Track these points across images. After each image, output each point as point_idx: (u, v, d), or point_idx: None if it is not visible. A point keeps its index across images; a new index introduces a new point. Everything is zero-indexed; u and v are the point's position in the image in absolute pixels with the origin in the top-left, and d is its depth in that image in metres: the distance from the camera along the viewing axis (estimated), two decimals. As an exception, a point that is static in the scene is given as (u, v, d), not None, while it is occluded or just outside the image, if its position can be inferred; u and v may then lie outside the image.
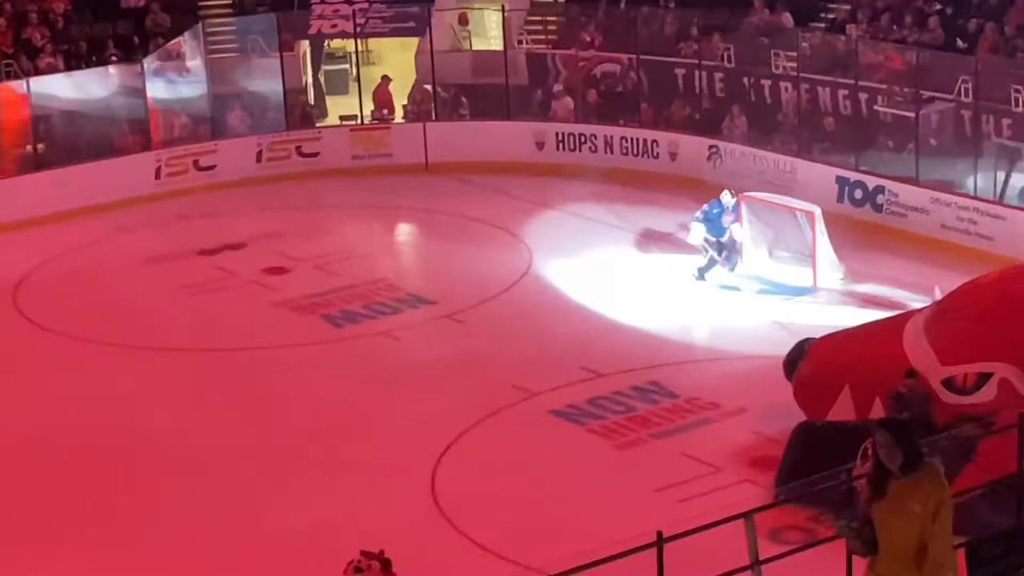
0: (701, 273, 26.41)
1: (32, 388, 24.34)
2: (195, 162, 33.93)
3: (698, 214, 26.46)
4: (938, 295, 21.83)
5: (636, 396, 22.66)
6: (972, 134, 29.65)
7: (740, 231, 26.30)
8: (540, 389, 23.05)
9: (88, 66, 35.15)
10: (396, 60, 35.64)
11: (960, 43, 31.33)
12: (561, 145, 33.72)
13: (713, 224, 26.09)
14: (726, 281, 26.37)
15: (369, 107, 35.47)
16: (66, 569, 18.52)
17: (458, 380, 23.90)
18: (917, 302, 23.23)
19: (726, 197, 26.28)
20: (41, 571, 18.67)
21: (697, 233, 26.36)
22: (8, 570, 18.85)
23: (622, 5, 35.45)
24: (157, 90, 34.83)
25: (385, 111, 35.09)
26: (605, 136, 33.51)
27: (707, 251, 26.34)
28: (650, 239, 29.47)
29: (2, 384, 24.41)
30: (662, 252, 28.74)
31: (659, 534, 11.33)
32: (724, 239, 26.07)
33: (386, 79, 35.23)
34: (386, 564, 14.61)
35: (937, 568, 9.41)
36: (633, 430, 21.66)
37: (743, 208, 26.62)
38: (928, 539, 9.33)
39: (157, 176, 33.51)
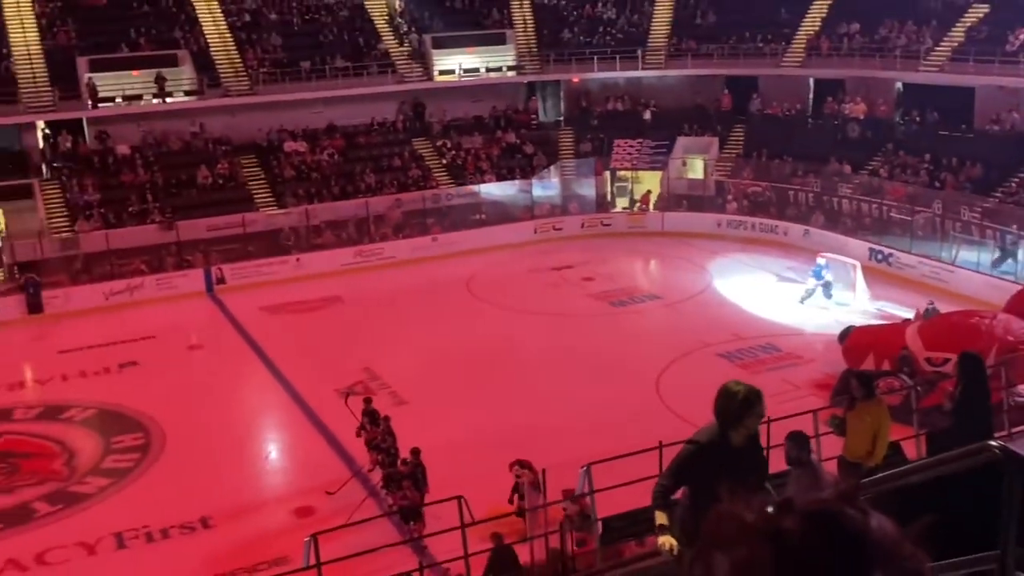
0: (803, 299, 25.64)
1: (474, 326, 25.20)
2: (553, 227, 33.95)
3: (813, 271, 25.86)
4: (921, 311, 21.52)
5: (759, 349, 22.65)
6: (940, 230, 28.34)
7: (831, 278, 25.67)
8: (712, 343, 22.99)
9: (505, 180, 35.53)
10: (651, 181, 35.18)
11: (936, 184, 29.87)
12: (729, 225, 32.81)
13: (817, 275, 25.45)
14: (816, 301, 25.51)
15: (637, 204, 35.00)
16: (469, 419, 18.80)
17: (671, 336, 24.15)
18: (908, 314, 22.49)
19: (822, 260, 25.82)
20: (460, 417, 19.02)
21: (811, 282, 25.70)
22: (444, 417, 19.18)
23: (763, 159, 34.40)
24: (537, 191, 35.11)
25: (644, 206, 34.68)
26: (751, 222, 32.55)
27: (811, 289, 25.58)
28: (771, 274, 28.55)
29: (456, 324, 25.15)
30: (779, 281, 27.89)
31: (769, 418, 11.21)
32: (823, 282, 25.35)
33: (648, 192, 34.76)
34: (529, 465, 14.35)
35: (883, 447, 9.57)
36: (758, 365, 21.42)
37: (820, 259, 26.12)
38: (879, 436, 9.53)
39: (534, 232, 33.58)
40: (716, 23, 38.33)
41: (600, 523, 11.59)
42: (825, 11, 37.08)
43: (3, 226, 30.46)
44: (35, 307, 27.55)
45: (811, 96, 36.71)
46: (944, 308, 21.78)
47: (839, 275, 25.89)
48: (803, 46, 36.37)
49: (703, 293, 27.53)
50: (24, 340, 25.72)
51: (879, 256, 28.22)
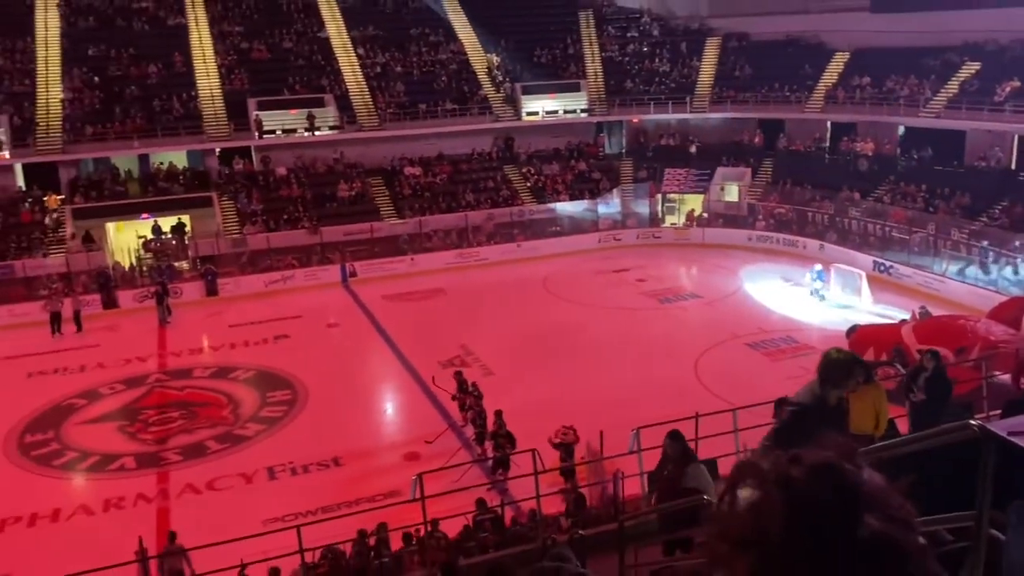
0: (814, 295, 24.94)
1: (548, 315, 24.81)
2: (614, 237, 33.54)
3: (809, 275, 25.23)
4: (916, 313, 20.56)
5: (780, 341, 21.98)
6: (933, 247, 27.25)
7: (825, 282, 25.07)
8: (741, 334, 22.45)
9: (576, 199, 35.19)
10: (695, 202, 34.67)
11: (931, 210, 28.77)
12: (758, 240, 32.03)
13: (816, 278, 24.91)
14: (824, 300, 24.90)
15: (683, 220, 34.40)
16: (542, 388, 18.68)
17: (707, 328, 23.55)
18: (905, 315, 21.50)
19: (818, 267, 25.32)
20: (535, 386, 18.87)
21: (808, 279, 25.12)
22: (523, 385, 19.11)
23: (788, 186, 33.57)
24: (601, 209, 34.77)
25: (690, 223, 34.04)
26: (777, 237, 31.72)
27: (814, 290, 24.96)
28: (791, 279, 27.66)
29: (534, 313, 24.92)
30: (796, 286, 26.95)
31: (787, 397, 10.77)
32: (820, 286, 24.80)
33: (692, 210, 34.22)
34: (574, 431, 13.99)
35: (884, 422, 8.56)
36: (778, 354, 20.89)
37: (832, 270, 25.48)
38: (880, 413, 8.81)
39: (598, 242, 33.26)
40: (751, 75, 37.61)
41: (646, 476, 11.48)
42: (841, 67, 36.12)
43: (189, 228, 31.48)
44: (212, 291, 28.40)
45: (828, 135, 35.72)
46: (935, 311, 21.00)
47: (848, 282, 25.14)
48: (823, 95, 35.46)
49: (735, 294, 26.95)
50: (203, 316, 26.54)
51: (881, 267, 27.29)
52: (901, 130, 33.52)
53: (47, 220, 30.16)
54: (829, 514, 1.02)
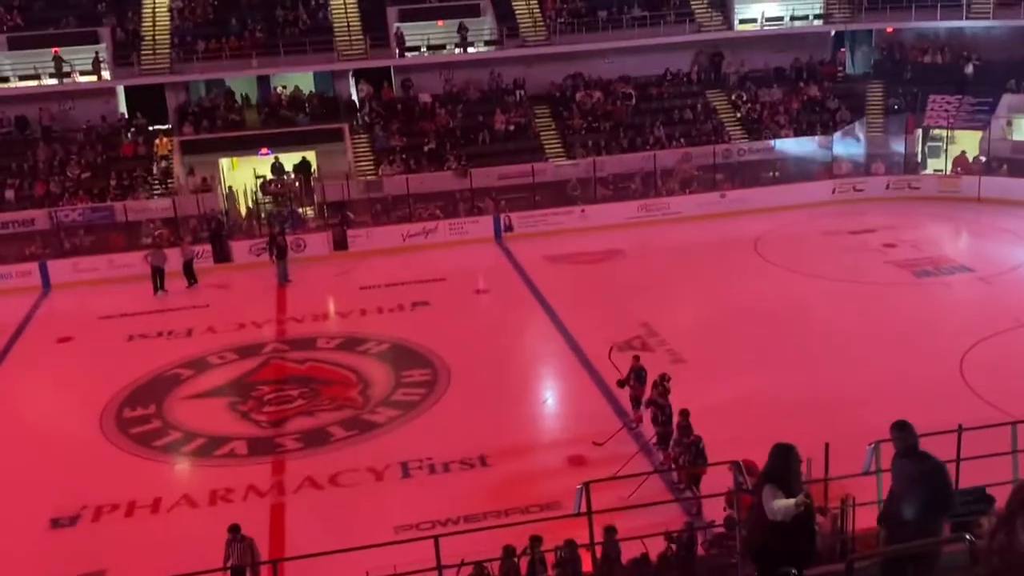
0: None
1: (760, 287, 24.36)
2: (854, 187, 32.18)
3: None
4: None
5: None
6: None
7: None
8: (1029, 323, 20.92)
9: (804, 135, 34.09)
10: (969, 141, 32.51)
11: None
12: (1059, 194, 29.84)
13: None
14: None
15: (950, 167, 32.44)
16: (748, 383, 18.25)
17: (982, 312, 22.57)
18: None
19: None
20: (738, 380, 18.52)
21: None
22: (722, 379, 18.82)
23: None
24: (838, 149, 33.43)
25: (959, 169, 32.08)
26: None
27: None
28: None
29: (740, 285, 24.48)
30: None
31: None
32: None
33: (964, 153, 32.18)
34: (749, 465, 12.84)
35: None
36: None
37: None
38: None
39: (832, 192, 32.07)
40: (1060, -34, 34.77)
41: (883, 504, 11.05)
42: None
43: (315, 167, 32.93)
44: (341, 244, 29.72)
45: None
46: None
47: None
48: None
49: (1022, 267, 25.23)
50: (330, 275, 27.82)
51: None
52: None
53: (154, 167, 32.32)
54: None
